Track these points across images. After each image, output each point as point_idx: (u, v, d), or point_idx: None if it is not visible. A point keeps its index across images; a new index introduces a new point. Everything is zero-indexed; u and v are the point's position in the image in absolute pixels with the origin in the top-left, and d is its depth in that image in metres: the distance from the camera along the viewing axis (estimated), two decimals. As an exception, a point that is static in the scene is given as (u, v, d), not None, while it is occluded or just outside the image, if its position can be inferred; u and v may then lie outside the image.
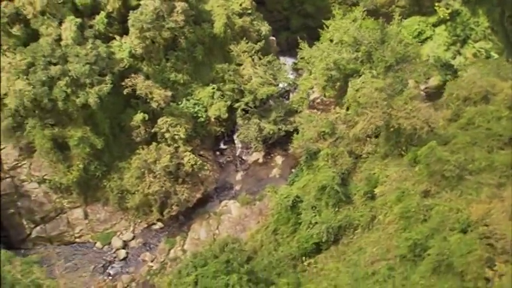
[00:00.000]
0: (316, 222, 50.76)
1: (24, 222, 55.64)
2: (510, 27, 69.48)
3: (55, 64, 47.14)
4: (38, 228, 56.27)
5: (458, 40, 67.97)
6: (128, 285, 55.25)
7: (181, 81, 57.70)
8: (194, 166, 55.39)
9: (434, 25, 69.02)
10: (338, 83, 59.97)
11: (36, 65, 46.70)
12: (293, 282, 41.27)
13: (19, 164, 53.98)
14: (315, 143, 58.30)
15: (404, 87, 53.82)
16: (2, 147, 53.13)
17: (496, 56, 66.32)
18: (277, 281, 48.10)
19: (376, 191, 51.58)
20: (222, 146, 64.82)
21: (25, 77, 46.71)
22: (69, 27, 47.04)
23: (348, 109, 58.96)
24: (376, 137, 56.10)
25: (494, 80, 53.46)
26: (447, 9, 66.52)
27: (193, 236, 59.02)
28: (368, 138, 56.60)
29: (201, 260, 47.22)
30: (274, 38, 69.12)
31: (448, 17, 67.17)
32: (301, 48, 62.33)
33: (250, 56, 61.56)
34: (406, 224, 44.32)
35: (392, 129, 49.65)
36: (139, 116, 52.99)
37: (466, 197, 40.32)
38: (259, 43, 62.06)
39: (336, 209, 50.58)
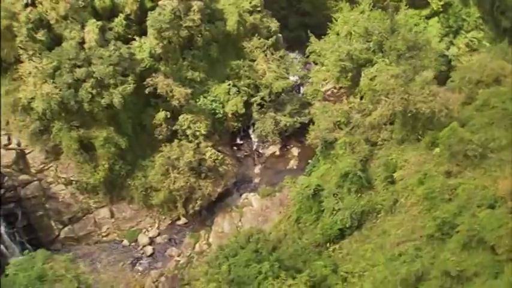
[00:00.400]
0: (339, 209, 51.27)
1: (53, 224, 55.93)
2: (500, 17, 70.98)
3: (80, 67, 47.47)
4: (66, 229, 56.59)
5: (451, 31, 69.05)
6: (157, 281, 55.59)
7: (198, 79, 58.07)
8: (216, 161, 55.91)
9: (428, 17, 70.01)
10: (350, 74, 60.50)
11: (61, 68, 47.00)
12: (330, 264, 41.48)
13: (46, 167, 54.28)
14: (331, 132, 58.93)
15: (417, 74, 54.51)
16: (29, 150, 53.22)
17: (487, 44, 67.54)
18: (303, 268, 48.55)
19: (395, 175, 52.14)
20: (239, 141, 65.11)
21: (51, 80, 46.91)
22: (92, 30, 47.41)
23: (361, 98, 59.60)
24: (391, 123, 56.72)
25: (504, 63, 54.21)
26: (440, 1, 67.32)
27: (217, 229, 59.54)
28: (383, 126, 57.34)
29: (231, 250, 47.70)
30: (280, 35, 69.57)
31: (441, 9, 68.08)
32: (311, 42, 62.99)
33: (263, 52, 62.09)
34: (430, 204, 44.86)
35: (409, 114, 50.25)
36: (161, 114, 53.39)
37: (491, 174, 40.97)
38: (270, 39, 62.61)
39: (359, 195, 51.14)
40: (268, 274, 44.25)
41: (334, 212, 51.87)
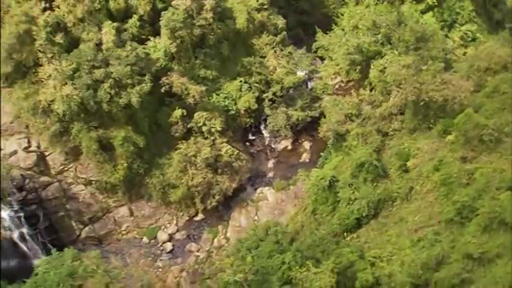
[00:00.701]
0: (355, 199, 51.75)
1: (74, 224, 56.18)
2: (493, 9, 71.97)
3: (98, 68, 47.72)
4: (86, 228, 56.84)
5: (446, 25, 69.96)
6: (178, 276, 55.87)
7: (210, 77, 58.52)
8: (231, 156, 56.24)
9: (423, 12, 70.49)
10: (359, 67, 61.04)
11: (80, 69, 47.28)
12: (356, 250, 41.90)
13: (66, 168, 54.54)
14: (343, 125, 59.51)
15: (425, 64, 55.08)
16: (48, 152, 53.46)
17: (481, 37, 68.33)
18: (322, 258, 48.87)
19: (409, 164, 52.68)
20: (251, 137, 65.63)
21: (71, 82, 47.12)
22: (109, 31, 47.77)
23: (371, 90, 60.18)
24: (402, 114, 57.40)
25: (510, 51, 54.80)
26: (435, -5, 68.15)
27: (234, 224, 59.91)
28: (394, 116, 57.94)
29: (253, 242, 48.04)
30: (285, 32, 69.92)
31: (435, 3, 68.77)
32: (318, 38, 63.68)
33: (272, 48, 62.64)
34: (447, 190, 45.34)
35: (422, 103, 50.78)
36: (178, 112, 53.79)
37: (507, 157, 41.42)
38: (279, 35, 63.17)
39: (374, 184, 51.61)
40: (291, 264, 44.47)
41: (351, 202, 52.30)
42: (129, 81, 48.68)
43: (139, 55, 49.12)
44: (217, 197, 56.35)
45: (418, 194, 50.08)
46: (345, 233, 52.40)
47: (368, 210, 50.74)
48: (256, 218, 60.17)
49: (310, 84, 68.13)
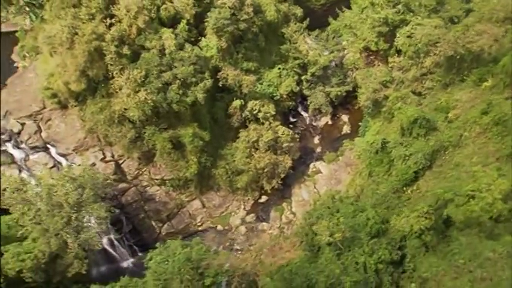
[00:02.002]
0: (410, 154, 53.80)
1: (153, 223, 57.05)
2: None
3: (165, 71, 48.70)
4: (165, 226, 57.81)
5: None
6: (257, 254, 57.01)
7: (252, 69, 60.02)
8: (288, 136, 57.66)
9: None
10: (383, 38, 63.25)
11: (149, 75, 48.20)
12: (447, 189, 43.74)
13: (140, 172, 55.39)
14: (379, 92, 61.66)
15: (447, 24, 57.59)
16: (122, 160, 54.27)
17: None
18: (387, 215, 50.62)
19: (450, 115, 55.03)
20: (291, 119, 67.25)
21: (143, 88, 48.02)
22: (169, 36, 48.83)
23: (398, 56, 62.40)
24: (431, 73, 59.82)
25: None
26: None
27: (297, 199, 61.53)
28: (425, 76, 60.37)
29: (333, 207, 49.77)
30: (308, 19, 71.35)
31: None
32: (337, 18, 66.16)
33: (301, 34, 64.36)
34: (501, 128, 47.56)
35: (458, 56, 53.04)
36: (237, 102, 55.28)
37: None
38: (304, 22, 64.98)
39: (427, 138, 53.61)
40: (375, 219, 46.31)
41: (406, 158, 54.26)
42: (193, 79, 49.81)
43: (198, 55, 50.25)
44: (282, 176, 57.72)
45: (468, 139, 52.14)
46: (404, 188, 54.02)
47: (425, 162, 52.56)
48: (315, 190, 61.88)
49: (333, 63, 69.89)
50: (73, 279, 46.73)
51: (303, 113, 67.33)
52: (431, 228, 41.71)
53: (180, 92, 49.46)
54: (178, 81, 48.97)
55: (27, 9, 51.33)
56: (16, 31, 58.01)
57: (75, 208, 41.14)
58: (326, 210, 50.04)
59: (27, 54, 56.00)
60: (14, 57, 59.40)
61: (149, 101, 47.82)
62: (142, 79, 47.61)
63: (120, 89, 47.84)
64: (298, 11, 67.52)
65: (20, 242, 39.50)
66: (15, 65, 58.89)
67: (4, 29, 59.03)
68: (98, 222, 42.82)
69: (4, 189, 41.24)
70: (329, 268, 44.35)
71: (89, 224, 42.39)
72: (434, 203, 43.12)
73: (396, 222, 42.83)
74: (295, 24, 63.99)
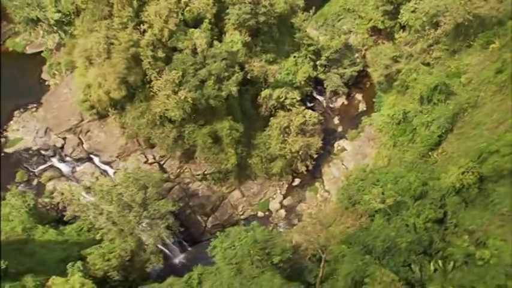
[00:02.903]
0: (433, 119, 55.66)
1: (199, 218, 57.77)
2: None
3: (200, 69, 49.43)
4: (210, 218, 58.59)
5: None
6: (300, 234, 58.09)
7: (271, 59, 61.14)
8: (315, 119, 58.95)
9: None
10: (387, 16, 65.06)
11: (186, 75, 48.89)
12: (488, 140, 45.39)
13: (182, 170, 56.02)
14: (391, 67, 63.31)
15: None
16: (163, 161, 54.78)
17: None
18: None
19: (462, 79, 56.97)
20: (308, 104, 68.46)
21: (182, 88, 48.67)
22: (200, 36, 49.47)
23: (403, 31, 64.22)
24: (437, 43, 61.71)
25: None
26: None
27: (329, 177, 62.91)
28: (431, 47, 62.21)
29: (372, 178, 51.29)
30: (314, 7, 72.43)
31: None
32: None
33: (310, 22, 65.53)
34: (518, 83, 49.47)
35: (466, 23, 54.92)
36: (266, 92, 56.38)
37: None
38: (310, 10, 66.17)
39: (447, 102, 55.42)
40: (417, 182, 47.81)
41: (429, 124, 56.14)
42: (225, 74, 50.69)
43: (227, 50, 51.10)
44: (314, 156, 58.98)
45: (485, 98, 54.12)
46: (429, 152, 55.74)
47: (447, 126, 54.45)
48: (343, 167, 63.27)
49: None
50: (140, 277, 47.29)
51: (318, 97, 68.67)
52: (476, 182, 43.44)
53: (216, 87, 50.19)
54: (213, 77, 49.73)
55: (55, 28, 51.34)
56: (41, 51, 57.94)
57: (143, 207, 41.62)
58: (366, 181, 51.60)
59: (56, 72, 55.99)
60: (44, 76, 59.28)
61: (189, 99, 48.44)
62: (180, 79, 48.01)
63: (159, 91, 48.23)
64: (300, 2, 68.64)
65: (100, 245, 39.85)
66: (46, 83, 58.83)
67: (29, 50, 58.97)
68: (165, 218, 43.30)
69: (70, 200, 41.50)
70: (384, 233, 45.79)
71: (157, 220, 42.87)
72: (476, 158, 44.77)
73: (446, 179, 44.28)
74: (303, 13, 65.07)
